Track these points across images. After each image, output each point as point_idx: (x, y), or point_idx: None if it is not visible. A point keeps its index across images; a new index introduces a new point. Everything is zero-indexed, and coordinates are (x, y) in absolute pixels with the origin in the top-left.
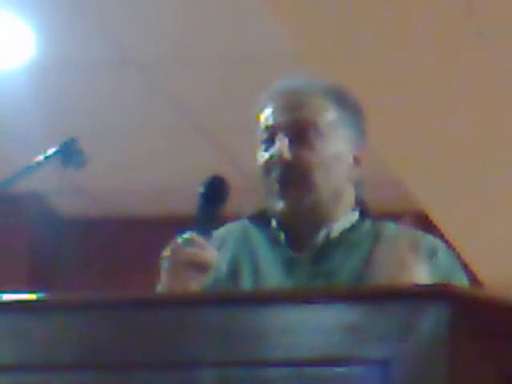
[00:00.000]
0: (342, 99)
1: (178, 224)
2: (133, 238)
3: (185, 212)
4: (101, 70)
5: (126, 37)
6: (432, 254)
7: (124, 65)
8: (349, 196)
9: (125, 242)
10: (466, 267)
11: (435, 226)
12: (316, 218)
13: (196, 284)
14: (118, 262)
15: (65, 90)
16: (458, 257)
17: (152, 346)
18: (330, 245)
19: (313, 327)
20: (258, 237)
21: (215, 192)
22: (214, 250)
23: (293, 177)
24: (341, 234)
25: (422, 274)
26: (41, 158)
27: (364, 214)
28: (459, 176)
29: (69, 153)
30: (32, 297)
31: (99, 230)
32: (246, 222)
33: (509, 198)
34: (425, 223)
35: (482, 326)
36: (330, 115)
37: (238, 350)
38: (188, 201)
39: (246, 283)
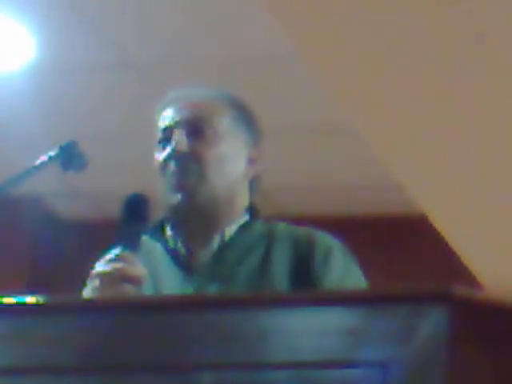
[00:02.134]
0: (237, 105)
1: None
2: None
3: None
4: (100, 73)
5: (125, 39)
6: (328, 254)
7: (124, 67)
8: (242, 197)
9: None
10: (466, 269)
11: (435, 229)
12: (212, 215)
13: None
14: None
15: (64, 93)
16: (458, 259)
17: (152, 349)
18: (225, 248)
19: (313, 330)
20: (156, 249)
21: (136, 209)
22: (142, 266)
23: (189, 168)
24: (233, 236)
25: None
26: (41, 160)
27: (253, 215)
28: (460, 179)
29: (69, 155)
30: (32, 299)
31: (99, 232)
32: (145, 238)
33: (510, 200)
34: (425, 226)
35: (482, 329)
36: (225, 118)
37: (238, 353)
38: None
39: (147, 292)
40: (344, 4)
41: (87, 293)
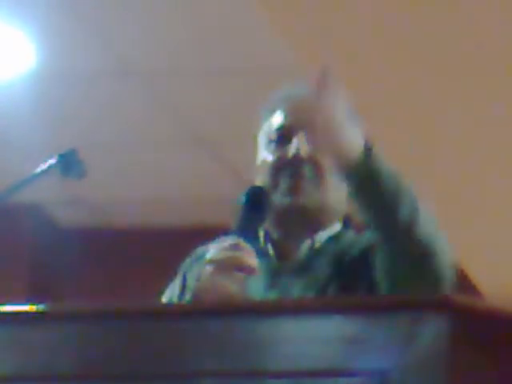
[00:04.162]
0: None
1: (178, 235)
2: (132, 249)
3: (185, 223)
4: (101, 81)
5: (126, 47)
6: None
7: (124, 75)
8: (342, 207)
9: (124, 252)
10: (466, 277)
11: None
12: (317, 222)
13: (238, 288)
14: (117, 272)
15: (65, 101)
16: (457, 267)
17: (152, 356)
18: (312, 255)
19: (313, 338)
20: None
21: (256, 202)
22: (256, 258)
23: (307, 175)
24: (324, 244)
25: None
26: (40, 168)
27: (347, 224)
28: (459, 187)
29: (69, 163)
30: (32, 308)
31: (99, 240)
32: (233, 236)
33: (509, 207)
34: None
35: (482, 337)
36: None
37: (237, 361)
38: (188, 211)
39: None
40: (345, 18)
41: (203, 276)
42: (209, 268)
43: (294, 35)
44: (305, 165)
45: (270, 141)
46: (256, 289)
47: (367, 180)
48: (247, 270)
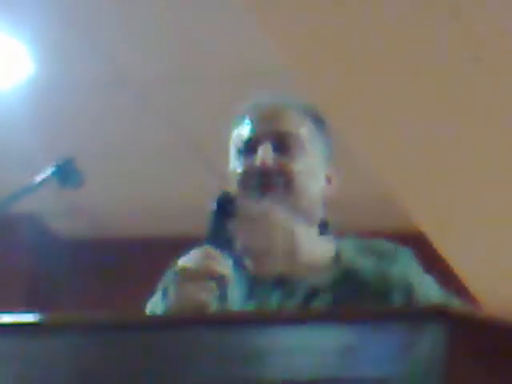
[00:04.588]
0: (316, 117)
1: (177, 244)
2: (131, 258)
3: (183, 232)
4: (98, 90)
5: (123, 56)
6: (393, 260)
7: (121, 84)
8: (318, 215)
9: (123, 262)
10: (463, 287)
11: (432, 246)
12: (286, 232)
13: (210, 298)
14: (116, 282)
15: (61, 110)
16: (455, 277)
17: (151, 367)
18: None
19: (310, 348)
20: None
21: (226, 208)
22: (229, 265)
23: (275, 183)
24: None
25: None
26: (38, 178)
27: (323, 230)
28: (456, 195)
29: (66, 173)
30: (30, 318)
31: (97, 250)
32: (205, 245)
33: (507, 216)
34: (421, 243)
35: (479, 347)
36: (306, 130)
37: (235, 371)
38: (187, 221)
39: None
40: (339, 24)
41: (173, 285)
42: (179, 277)
43: (292, 42)
44: (272, 174)
45: (239, 151)
46: (234, 299)
47: None
48: (219, 278)
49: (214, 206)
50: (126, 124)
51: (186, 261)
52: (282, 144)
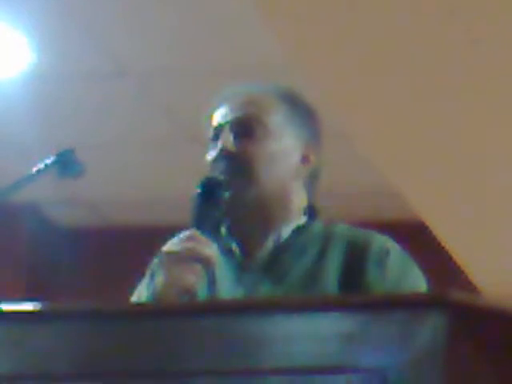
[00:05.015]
0: (293, 101)
1: (176, 233)
2: (130, 248)
3: (182, 222)
4: (97, 81)
5: (123, 48)
6: (383, 256)
7: (120, 75)
8: (297, 197)
9: (122, 251)
10: (463, 275)
11: (433, 235)
12: (262, 215)
13: (195, 280)
14: (115, 271)
15: (61, 101)
16: (456, 266)
17: (149, 355)
18: (279, 249)
19: (310, 336)
20: None
21: (211, 193)
22: (215, 248)
23: (236, 168)
24: (289, 237)
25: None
26: (38, 168)
27: (312, 216)
28: (457, 184)
29: (66, 163)
30: (29, 306)
31: (97, 239)
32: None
33: (507, 206)
34: (422, 232)
35: (480, 335)
36: (278, 115)
37: (234, 359)
38: (185, 210)
39: (201, 293)
40: (340, 17)
41: (160, 268)
42: (165, 260)
43: (290, 36)
44: (232, 157)
45: (211, 139)
46: (223, 286)
47: None
48: (204, 261)
49: (198, 190)
50: (126, 115)
51: (171, 244)
52: (246, 128)
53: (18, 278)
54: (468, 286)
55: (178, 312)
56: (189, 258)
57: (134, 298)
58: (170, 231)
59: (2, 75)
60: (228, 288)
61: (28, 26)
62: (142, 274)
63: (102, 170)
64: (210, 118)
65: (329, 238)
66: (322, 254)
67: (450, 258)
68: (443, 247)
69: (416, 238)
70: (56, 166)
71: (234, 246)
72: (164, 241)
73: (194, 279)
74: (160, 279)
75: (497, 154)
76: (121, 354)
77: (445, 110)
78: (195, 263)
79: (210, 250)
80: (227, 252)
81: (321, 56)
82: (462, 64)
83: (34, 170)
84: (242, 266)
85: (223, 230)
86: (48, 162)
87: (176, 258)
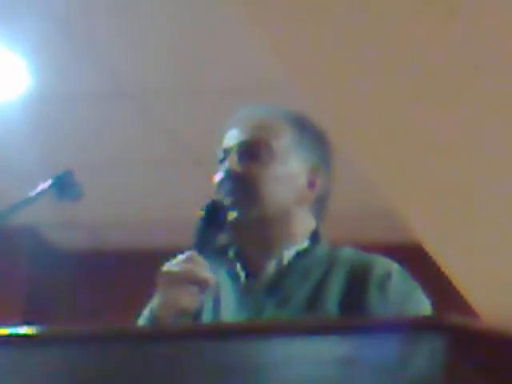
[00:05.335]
0: (302, 125)
1: (175, 256)
2: (129, 271)
3: (182, 244)
4: (96, 102)
5: (121, 68)
6: (386, 279)
7: (119, 96)
8: (302, 220)
9: (121, 274)
10: (461, 298)
11: (430, 257)
12: (265, 237)
13: (191, 301)
14: (114, 294)
15: (60, 122)
16: (454, 289)
17: (149, 379)
18: (282, 272)
19: (308, 359)
20: (219, 272)
21: (214, 216)
22: (211, 272)
23: (241, 189)
24: (292, 260)
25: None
26: (36, 190)
27: (315, 240)
28: (456, 208)
29: (64, 185)
30: (28, 330)
31: (95, 262)
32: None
33: (505, 227)
34: (419, 254)
35: (478, 358)
36: (286, 138)
37: (235, 382)
38: (185, 233)
39: (207, 316)
40: (337, 35)
41: (158, 288)
42: (162, 281)
43: (289, 55)
44: (236, 180)
45: (219, 161)
46: (227, 310)
47: None
48: (201, 283)
49: (202, 213)
50: (125, 136)
51: (170, 265)
52: (252, 152)
53: (16, 301)
54: (466, 309)
55: (177, 335)
56: (185, 279)
57: (141, 320)
58: (169, 253)
59: (2, 98)
60: (232, 311)
61: (26, 48)
62: (140, 297)
63: (101, 192)
64: (220, 140)
65: (332, 261)
66: (324, 278)
67: (449, 281)
68: (441, 270)
69: (414, 260)
70: (54, 188)
71: (239, 269)
72: (163, 263)
73: (190, 301)
74: (156, 300)
75: (496, 178)
76: (120, 379)
77: (446, 129)
78: (191, 285)
79: (208, 272)
80: (233, 275)
81: (321, 75)
82: (462, 90)
83: (33, 192)
84: (246, 288)
85: (231, 253)
86: (46, 184)
87: (173, 278)
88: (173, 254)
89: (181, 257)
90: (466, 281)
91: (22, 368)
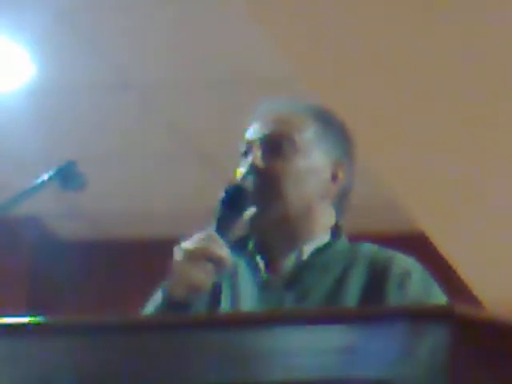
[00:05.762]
0: (325, 119)
1: (177, 246)
2: (131, 261)
3: (184, 234)
4: (99, 93)
5: (125, 60)
6: (405, 278)
7: (122, 88)
8: (324, 215)
9: (123, 264)
10: (465, 287)
11: (434, 247)
12: (287, 232)
13: (205, 278)
14: (117, 284)
15: (63, 114)
16: (458, 278)
17: (152, 368)
18: (302, 267)
19: (311, 348)
20: (239, 264)
21: (236, 201)
22: (228, 252)
23: (263, 184)
24: (312, 255)
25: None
26: (39, 180)
27: (336, 234)
28: (459, 197)
29: (67, 175)
30: (31, 320)
31: (98, 252)
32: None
33: (508, 216)
34: (424, 244)
35: (483, 348)
36: (309, 132)
37: (237, 372)
38: (187, 224)
39: (225, 307)
40: (339, 32)
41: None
42: (179, 257)
43: (292, 49)
44: (259, 175)
45: (242, 154)
46: (246, 303)
47: None
48: (216, 261)
49: (223, 195)
50: (128, 127)
51: (188, 242)
52: (276, 145)
53: (19, 291)
54: (471, 299)
55: (179, 325)
56: (201, 255)
57: (150, 302)
58: (171, 244)
59: (5, 88)
60: (250, 304)
61: (30, 39)
62: (143, 287)
63: (104, 183)
64: (243, 134)
65: (352, 257)
66: (344, 274)
67: (453, 271)
68: (446, 261)
69: (418, 250)
70: (58, 179)
71: (260, 262)
72: (164, 253)
73: (204, 278)
74: (171, 275)
75: (498, 168)
76: (122, 368)
77: (448, 122)
78: (207, 262)
79: (225, 251)
80: (253, 268)
81: (322, 69)
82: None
83: (36, 182)
84: (265, 282)
85: (250, 245)
86: (50, 174)
87: (189, 255)
88: (174, 243)
89: (199, 234)
90: (471, 271)
91: (23, 357)
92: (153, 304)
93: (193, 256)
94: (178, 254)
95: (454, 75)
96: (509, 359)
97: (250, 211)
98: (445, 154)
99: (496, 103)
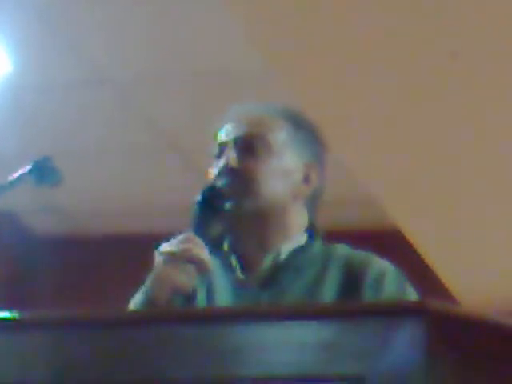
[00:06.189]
0: (297, 121)
1: (154, 242)
2: (107, 256)
3: (160, 230)
4: (75, 89)
5: (101, 56)
6: (380, 280)
7: (98, 84)
8: (297, 216)
9: (99, 260)
10: (440, 284)
11: (411, 244)
12: (261, 231)
13: (187, 280)
14: (92, 280)
15: (39, 110)
16: (432, 274)
17: (128, 363)
18: (278, 268)
19: (288, 344)
20: (214, 263)
21: (211, 202)
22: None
23: (237, 183)
24: (288, 256)
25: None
26: (15, 176)
27: (312, 236)
28: (434, 193)
29: (43, 171)
30: (6, 315)
31: (74, 248)
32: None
33: (484, 213)
34: (399, 241)
35: (457, 342)
36: (281, 134)
37: (214, 367)
38: (164, 219)
39: (201, 304)
40: (319, 25)
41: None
42: (159, 259)
43: (270, 43)
44: (233, 175)
45: (215, 156)
46: (221, 302)
47: None
48: (198, 263)
49: (199, 197)
50: (104, 123)
51: (167, 245)
52: (249, 146)
53: None
54: (446, 295)
55: (157, 321)
56: (183, 258)
57: (133, 302)
58: (148, 239)
59: None
60: (225, 304)
61: (4, 36)
62: (119, 283)
63: (80, 179)
64: (215, 135)
65: (328, 259)
66: (320, 275)
67: (428, 269)
68: (421, 257)
69: (394, 247)
70: (33, 174)
71: (235, 262)
72: (141, 250)
73: (186, 280)
74: (152, 277)
75: (476, 163)
76: (99, 363)
77: (425, 122)
78: (188, 264)
79: (206, 253)
80: (228, 267)
81: (297, 65)
82: (444, 79)
83: (11, 178)
84: (241, 282)
85: (226, 245)
86: (25, 169)
87: (170, 257)
88: (150, 239)
89: (178, 237)
90: (445, 266)
91: (1, 353)
92: (134, 307)
93: (174, 259)
94: (158, 257)
95: (422, 74)
96: (483, 353)
97: (225, 209)
98: (419, 150)
99: (474, 99)
